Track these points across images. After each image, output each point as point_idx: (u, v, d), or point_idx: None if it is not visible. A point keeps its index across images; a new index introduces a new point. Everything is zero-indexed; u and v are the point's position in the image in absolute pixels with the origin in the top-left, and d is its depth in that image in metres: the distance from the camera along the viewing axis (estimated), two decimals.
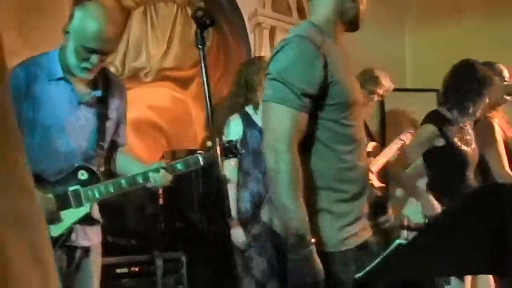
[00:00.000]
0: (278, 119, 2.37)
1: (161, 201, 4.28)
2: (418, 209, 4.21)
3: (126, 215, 4.24)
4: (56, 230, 2.97)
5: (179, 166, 3.13)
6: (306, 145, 2.43)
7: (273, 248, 2.56)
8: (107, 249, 3.46)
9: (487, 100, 4.04)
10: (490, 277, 3.87)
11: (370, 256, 2.30)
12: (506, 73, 4.45)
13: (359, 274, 1.92)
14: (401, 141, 5.50)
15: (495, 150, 4.28)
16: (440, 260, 1.80)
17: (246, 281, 3.86)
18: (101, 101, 3.14)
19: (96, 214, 3.17)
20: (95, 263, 3.22)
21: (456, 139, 4.04)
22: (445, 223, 1.71)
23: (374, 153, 5.26)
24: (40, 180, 2.96)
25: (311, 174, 2.44)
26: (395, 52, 6.90)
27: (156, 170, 3.07)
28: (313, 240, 2.35)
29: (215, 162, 2.40)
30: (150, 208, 4.26)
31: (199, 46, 2.33)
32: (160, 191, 4.20)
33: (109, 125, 3.19)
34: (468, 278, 3.93)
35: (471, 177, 4.11)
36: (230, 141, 3.23)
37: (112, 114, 3.20)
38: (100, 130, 3.14)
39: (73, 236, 3.05)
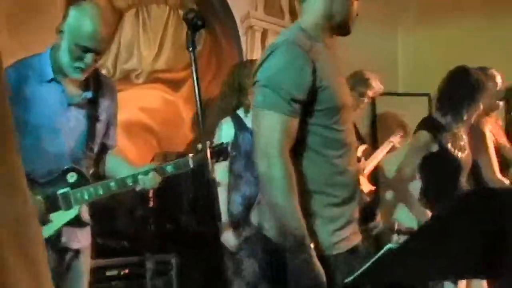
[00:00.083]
0: (269, 125, 2.36)
1: (151, 203, 4.27)
2: (408, 213, 4.21)
3: (116, 217, 4.23)
4: (45, 232, 2.96)
5: (169, 169, 3.12)
6: (296, 150, 2.43)
7: (263, 251, 2.56)
8: (97, 251, 3.45)
9: (481, 107, 4.05)
10: (484, 281, 3.88)
11: (360, 260, 2.30)
12: (499, 79, 4.48)
13: (349, 279, 1.92)
14: (391, 143, 5.51)
15: (486, 156, 4.30)
16: (431, 264, 1.80)
17: (236, 284, 3.85)
18: (91, 103, 3.13)
19: (86, 216, 3.16)
20: (85, 265, 3.22)
21: (449, 145, 4.04)
22: (436, 227, 1.71)
23: (365, 156, 5.27)
24: (29, 181, 2.94)
25: (301, 178, 2.43)
26: (387, 55, 6.90)
27: (146, 173, 3.05)
28: (312, 245, 2.35)
29: (206, 164, 2.39)
30: (140, 210, 4.25)
31: (190, 49, 2.32)
32: (151, 193, 4.18)
33: (99, 126, 3.19)
34: (462, 282, 3.93)
35: (464, 182, 4.12)
36: (221, 144, 3.22)
37: (102, 115, 3.19)
38: (90, 132, 3.14)
39: (63, 238, 3.04)
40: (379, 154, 5.43)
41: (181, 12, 4.97)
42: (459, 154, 4.07)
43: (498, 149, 4.44)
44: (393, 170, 6.37)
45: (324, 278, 2.34)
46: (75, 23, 2.93)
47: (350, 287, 2.10)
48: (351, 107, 2.63)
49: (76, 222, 3.06)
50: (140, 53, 4.83)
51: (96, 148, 3.21)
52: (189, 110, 4.99)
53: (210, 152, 3.09)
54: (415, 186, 4.24)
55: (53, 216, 2.98)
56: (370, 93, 4.97)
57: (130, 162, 3.37)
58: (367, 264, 1.73)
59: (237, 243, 3.87)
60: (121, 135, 3.59)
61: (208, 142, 3.13)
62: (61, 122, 3.04)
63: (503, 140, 4.62)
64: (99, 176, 3.28)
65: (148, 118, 4.82)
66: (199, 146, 2.73)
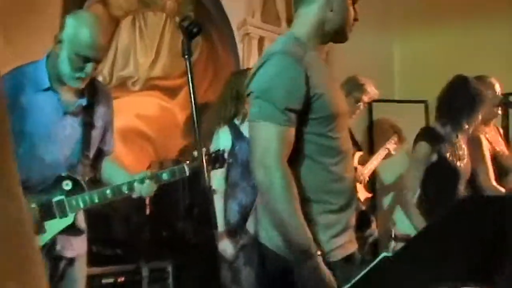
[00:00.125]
0: (266, 136, 2.36)
1: (147, 211, 4.26)
2: (405, 220, 4.21)
3: (112, 224, 4.22)
4: (40, 240, 2.95)
5: (164, 176, 3.12)
6: (292, 159, 2.42)
7: (260, 259, 2.55)
8: (93, 259, 3.44)
9: (480, 117, 4.07)
10: None
11: (355, 268, 2.30)
12: (497, 87, 4.48)
13: (345, 287, 1.91)
14: (386, 150, 5.51)
15: (483, 164, 4.31)
16: (427, 272, 1.79)
17: None
18: (87, 110, 3.13)
19: (82, 224, 3.16)
20: (80, 273, 3.21)
21: (448, 155, 4.05)
22: (431, 234, 1.71)
23: (361, 163, 5.27)
24: (24, 189, 2.93)
25: (298, 186, 2.43)
26: (383, 61, 6.91)
27: (141, 180, 3.05)
28: (319, 252, 2.35)
29: (201, 172, 2.38)
30: (136, 217, 4.24)
31: (186, 56, 2.32)
32: (147, 201, 4.17)
33: (95, 134, 3.18)
34: None
35: (462, 190, 4.13)
36: (217, 151, 3.22)
37: (98, 122, 3.19)
38: (86, 140, 3.13)
39: (57, 246, 3.03)
40: (375, 161, 5.43)
41: (177, 19, 4.97)
42: (458, 164, 4.08)
43: (494, 156, 4.44)
44: (389, 177, 6.43)
45: (334, 284, 2.34)
46: (74, 32, 2.93)
47: None
48: (346, 114, 2.62)
49: (72, 230, 3.05)
50: (136, 60, 4.83)
51: (92, 155, 3.21)
52: (186, 117, 4.98)
53: (207, 159, 3.10)
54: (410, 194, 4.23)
55: (48, 224, 2.98)
56: (365, 98, 4.97)
57: (126, 169, 3.37)
58: (363, 273, 1.72)
59: (234, 252, 3.86)
60: (118, 142, 3.58)
61: (204, 149, 3.14)
62: (57, 130, 3.04)
63: (502, 147, 4.62)
64: (96, 181, 3.28)
65: (145, 125, 4.82)
66: (195, 153, 2.73)
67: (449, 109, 4.08)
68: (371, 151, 5.89)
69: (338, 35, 2.59)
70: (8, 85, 2.97)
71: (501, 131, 4.83)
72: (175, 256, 4.20)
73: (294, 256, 2.35)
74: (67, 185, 3.02)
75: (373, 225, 4.64)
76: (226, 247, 3.87)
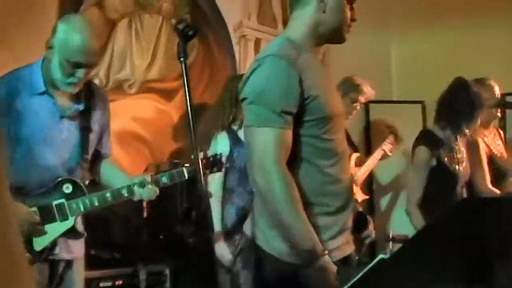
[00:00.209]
0: (264, 141, 2.35)
1: (145, 214, 4.25)
2: (402, 220, 4.21)
3: (110, 227, 4.21)
4: (40, 243, 2.96)
5: (164, 179, 3.12)
6: (288, 162, 2.41)
7: (257, 261, 2.54)
8: (91, 262, 3.44)
9: (479, 120, 4.08)
10: None
11: (352, 270, 2.30)
12: (497, 90, 4.48)
13: None
14: (382, 151, 5.51)
15: (479, 167, 4.32)
16: (422, 274, 1.79)
17: None
18: (83, 114, 3.13)
19: (80, 227, 3.16)
20: (78, 276, 3.22)
21: (446, 159, 4.05)
22: (426, 237, 1.71)
23: (358, 164, 5.27)
24: (24, 193, 2.95)
25: None
26: (381, 62, 6.90)
27: (141, 184, 3.06)
28: (326, 251, 2.35)
29: (197, 175, 2.38)
30: (134, 220, 4.24)
31: (181, 59, 2.31)
32: (144, 204, 4.17)
33: (92, 137, 3.19)
34: None
35: (461, 193, 4.14)
36: (214, 155, 3.22)
37: (95, 126, 3.19)
38: (83, 143, 3.13)
39: (56, 249, 3.03)
40: (370, 163, 5.42)
41: (174, 22, 4.97)
42: (457, 167, 4.09)
43: (493, 160, 4.46)
44: (386, 178, 6.43)
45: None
46: (65, 38, 2.92)
47: None
48: (342, 115, 2.61)
49: (72, 233, 3.05)
50: (133, 63, 4.83)
51: (89, 158, 3.21)
52: (182, 120, 4.98)
53: (204, 163, 3.11)
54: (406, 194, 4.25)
55: (48, 227, 2.98)
56: (362, 98, 4.96)
57: (125, 171, 3.38)
58: (359, 275, 1.72)
59: (232, 257, 3.85)
60: (114, 145, 3.58)
61: (202, 153, 3.14)
62: (54, 134, 3.04)
63: (501, 150, 4.63)
64: (94, 184, 3.28)
65: (141, 128, 4.81)
66: (193, 156, 2.73)
67: (449, 112, 4.08)
68: (368, 152, 5.89)
69: (334, 36, 2.58)
70: (4, 89, 2.97)
71: (502, 133, 4.82)
72: (173, 260, 4.19)
73: (302, 258, 2.35)
74: (67, 188, 3.02)
75: (371, 226, 4.64)
76: (223, 252, 3.86)
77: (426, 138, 4.17)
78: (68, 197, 3.01)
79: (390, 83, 7.02)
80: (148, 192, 3.07)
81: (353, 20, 2.58)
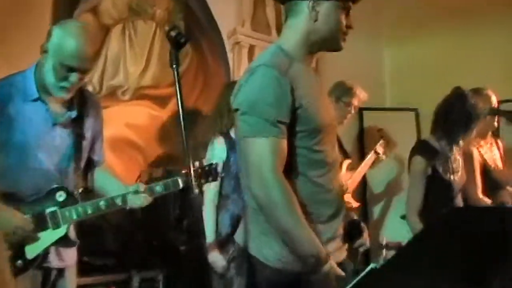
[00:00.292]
0: (260, 151, 2.34)
1: (138, 220, 4.25)
2: (396, 227, 4.22)
3: (103, 234, 4.20)
4: (33, 251, 2.95)
5: (158, 188, 3.13)
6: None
7: (248, 270, 2.54)
8: (83, 268, 3.43)
9: (475, 131, 4.10)
10: None
11: (344, 277, 2.30)
12: (494, 99, 4.49)
13: None
14: (376, 154, 5.50)
15: (473, 177, 4.35)
16: (415, 283, 1.79)
17: None
18: (76, 121, 3.13)
19: (73, 235, 3.15)
20: (71, 283, 3.21)
21: (441, 169, 4.07)
22: (416, 246, 1.71)
23: (350, 171, 5.26)
24: (17, 200, 2.94)
25: None
26: (374, 70, 6.92)
27: (135, 192, 3.06)
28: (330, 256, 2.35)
29: (190, 184, 2.37)
30: (127, 227, 4.23)
31: (174, 66, 2.31)
32: (139, 211, 4.17)
33: (85, 144, 3.18)
34: None
35: (459, 203, 4.16)
36: (210, 164, 3.22)
37: (88, 133, 3.19)
38: (76, 150, 3.13)
39: (49, 257, 3.03)
40: (362, 169, 5.42)
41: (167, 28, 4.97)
42: (452, 177, 4.11)
43: (487, 171, 4.47)
44: (379, 185, 6.44)
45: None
46: (59, 42, 2.92)
47: None
48: (334, 125, 2.60)
49: (64, 241, 3.05)
50: (126, 69, 4.82)
51: (82, 165, 3.21)
52: (176, 126, 4.94)
53: (200, 173, 3.11)
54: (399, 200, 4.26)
55: (41, 235, 2.97)
56: (355, 101, 4.95)
57: (118, 177, 3.37)
58: (350, 285, 1.72)
59: (225, 264, 3.84)
60: (107, 152, 3.57)
61: (198, 163, 3.14)
62: (46, 141, 3.03)
63: (497, 161, 4.64)
64: (90, 191, 3.28)
65: (135, 135, 4.80)
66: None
67: (445, 123, 4.10)
68: (361, 159, 5.89)
69: (330, 44, 2.57)
70: None
71: (500, 143, 4.82)
72: (166, 266, 4.19)
73: (307, 265, 2.35)
74: (60, 196, 3.01)
75: (365, 234, 4.64)
76: (216, 259, 3.85)
77: (421, 148, 4.19)
78: (61, 205, 3.01)
79: (383, 90, 7.04)
80: (141, 201, 3.07)
81: (349, 27, 2.57)
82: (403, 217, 4.24)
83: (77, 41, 2.91)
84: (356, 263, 3.78)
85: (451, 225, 1.71)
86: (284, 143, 2.38)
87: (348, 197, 4.98)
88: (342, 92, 4.92)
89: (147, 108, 4.92)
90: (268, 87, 2.36)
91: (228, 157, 3.91)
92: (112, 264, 4.08)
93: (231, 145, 3.92)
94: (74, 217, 3.01)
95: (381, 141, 5.63)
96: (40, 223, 2.97)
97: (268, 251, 2.44)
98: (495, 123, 4.60)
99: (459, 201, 4.18)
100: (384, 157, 5.56)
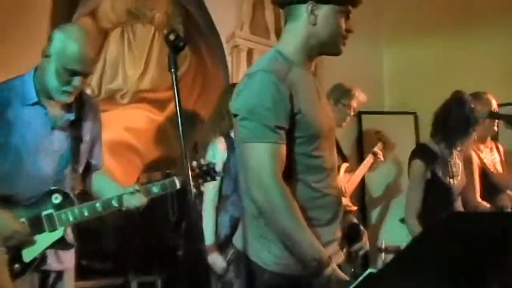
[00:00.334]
0: (260, 156, 2.34)
1: (136, 225, 4.24)
2: (395, 231, 4.22)
3: (101, 238, 4.20)
4: (29, 254, 2.95)
5: (155, 189, 3.12)
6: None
7: (247, 274, 2.53)
8: (81, 272, 3.43)
9: (475, 135, 4.11)
10: None
11: (348, 281, 2.29)
12: (494, 103, 4.48)
13: None
14: (374, 156, 5.50)
15: (471, 181, 4.34)
16: (414, 286, 1.79)
17: None
18: (74, 124, 3.12)
19: (70, 238, 3.14)
20: (69, 287, 3.19)
21: (441, 172, 4.08)
22: (413, 251, 1.70)
23: (348, 173, 5.26)
24: (13, 202, 2.94)
25: None
26: (373, 73, 6.91)
27: (131, 193, 3.05)
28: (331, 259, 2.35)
29: (188, 185, 2.36)
30: (125, 231, 4.23)
31: (172, 70, 2.30)
32: (136, 213, 4.17)
33: (83, 147, 3.18)
34: None
35: (459, 206, 4.15)
36: (208, 164, 3.21)
37: (86, 136, 3.19)
38: (74, 153, 3.12)
39: (47, 260, 3.02)
40: (360, 171, 5.42)
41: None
42: (451, 181, 4.12)
43: (486, 175, 4.47)
44: (378, 189, 6.43)
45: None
46: (62, 46, 2.92)
47: None
48: (332, 131, 2.60)
49: (61, 243, 3.04)
50: (125, 73, 4.82)
51: (81, 168, 3.20)
52: (175, 130, 4.95)
53: (198, 172, 3.10)
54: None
55: (37, 238, 2.97)
56: (354, 103, 4.95)
57: (117, 182, 3.36)
58: None
59: (224, 266, 3.84)
60: (106, 155, 3.57)
61: (195, 162, 3.13)
62: (45, 145, 3.03)
63: (497, 165, 4.63)
64: (87, 194, 3.27)
65: (133, 138, 4.80)
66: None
67: (444, 127, 4.11)
68: (360, 162, 5.88)
69: (329, 48, 2.55)
70: None
71: (501, 147, 4.81)
72: (164, 270, 4.18)
73: (309, 268, 2.34)
74: (56, 198, 3.01)
75: (364, 237, 4.64)
76: (216, 260, 3.85)
77: (421, 152, 4.20)
78: (57, 207, 3.00)
79: (382, 94, 7.03)
80: (137, 202, 3.06)
81: (349, 31, 2.55)
82: (402, 220, 4.25)
83: (79, 45, 2.92)
84: (356, 265, 3.78)
85: (449, 229, 1.71)
86: (283, 148, 2.38)
87: (346, 201, 4.97)
88: (341, 94, 4.92)
89: (146, 112, 4.92)
90: (266, 92, 2.36)
91: (228, 158, 3.92)
92: (110, 268, 4.08)
93: (232, 146, 3.92)
94: (71, 219, 3.01)
95: (379, 144, 5.63)
96: (37, 226, 2.96)
97: (266, 255, 2.44)
98: (495, 127, 4.59)
99: (458, 205, 4.18)
100: (382, 159, 5.55)
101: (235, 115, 2.45)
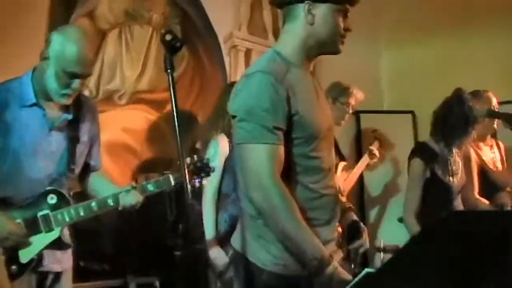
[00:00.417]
0: (259, 157, 2.34)
1: (134, 226, 4.24)
2: (393, 230, 4.22)
3: (99, 239, 4.20)
4: (26, 255, 2.95)
5: (150, 187, 3.13)
6: None
7: (246, 275, 2.53)
8: (79, 274, 3.42)
9: (474, 136, 4.11)
10: None
11: (350, 280, 2.29)
12: (494, 101, 4.48)
13: None
14: (370, 155, 5.49)
15: (470, 179, 4.35)
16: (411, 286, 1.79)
17: None
18: (72, 125, 3.12)
19: (67, 238, 3.14)
20: (66, 287, 3.19)
21: (440, 171, 4.08)
22: (412, 250, 1.70)
23: (345, 171, 5.26)
24: (10, 204, 2.94)
25: None
26: (371, 72, 6.91)
27: (127, 191, 3.05)
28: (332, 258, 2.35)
29: (184, 185, 2.36)
30: (123, 232, 4.22)
31: (168, 71, 2.30)
32: (133, 214, 4.17)
33: (81, 148, 3.18)
34: None
35: (459, 204, 4.15)
36: (201, 160, 3.21)
37: (84, 137, 3.19)
38: (71, 154, 3.13)
39: (45, 261, 3.02)
40: (357, 170, 5.42)
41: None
42: (451, 179, 4.12)
43: (485, 172, 4.46)
44: (376, 188, 6.43)
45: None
46: (61, 48, 2.92)
47: None
48: (331, 131, 2.59)
49: (58, 244, 3.04)
50: (123, 73, 4.81)
51: (78, 169, 3.20)
52: (173, 130, 4.95)
53: (192, 169, 3.09)
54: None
55: (33, 238, 2.97)
56: (352, 101, 4.95)
57: (114, 183, 3.36)
58: None
59: (226, 261, 3.83)
60: (104, 156, 3.57)
61: (189, 159, 3.12)
62: (42, 146, 3.03)
63: (497, 163, 4.63)
64: (84, 195, 3.27)
65: (131, 139, 4.79)
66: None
67: (443, 126, 4.11)
68: (358, 161, 5.88)
69: (328, 47, 2.55)
70: None
71: (502, 145, 4.81)
72: (162, 271, 4.18)
73: (310, 268, 2.34)
74: (52, 199, 3.01)
75: (364, 235, 4.64)
76: (218, 255, 3.83)
77: (420, 150, 4.20)
78: (53, 208, 3.01)
79: (380, 93, 7.03)
80: (132, 200, 3.06)
81: (347, 30, 2.54)
82: (400, 219, 4.25)
83: (78, 47, 2.92)
84: (356, 263, 3.78)
85: (448, 229, 1.70)
86: (282, 149, 2.38)
87: (343, 200, 4.97)
88: (339, 92, 4.92)
89: (143, 113, 4.91)
90: (264, 93, 2.35)
91: (230, 156, 3.91)
92: (108, 269, 4.07)
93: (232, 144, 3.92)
94: (67, 219, 3.01)
95: (375, 142, 5.64)
96: (33, 226, 2.97)
97: (265, 256, 2.44)
98: (495, 126, 4.59)
99: (458, 203, 4.18)
100: (378, 156, 5.55)
101: (233, 116, 2.45)
